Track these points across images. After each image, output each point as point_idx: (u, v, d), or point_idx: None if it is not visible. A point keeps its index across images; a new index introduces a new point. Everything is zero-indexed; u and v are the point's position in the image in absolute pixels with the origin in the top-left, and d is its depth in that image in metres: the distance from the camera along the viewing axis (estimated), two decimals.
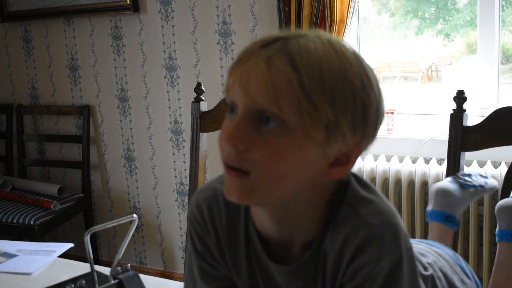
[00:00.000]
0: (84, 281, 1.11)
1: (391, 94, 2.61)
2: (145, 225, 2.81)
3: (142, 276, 1.16)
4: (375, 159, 2.17)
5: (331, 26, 2.03)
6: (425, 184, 2.07)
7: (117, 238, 2.92)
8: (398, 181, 2.11)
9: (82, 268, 1.34)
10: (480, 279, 2.02)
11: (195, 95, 1.72)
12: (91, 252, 1.04)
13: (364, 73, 0.69)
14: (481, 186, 1.33)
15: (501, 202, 1.16)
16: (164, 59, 2.55)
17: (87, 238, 1.02)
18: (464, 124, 1.43)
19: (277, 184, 0.69)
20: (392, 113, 2.22)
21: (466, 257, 2.04)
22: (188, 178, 1.83)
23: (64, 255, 1.44)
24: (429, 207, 1.33)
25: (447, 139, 1.45)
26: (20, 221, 2.43)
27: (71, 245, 1.53)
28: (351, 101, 0.67)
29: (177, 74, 2.54)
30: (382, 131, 2.23)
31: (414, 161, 2.14)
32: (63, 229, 3.03)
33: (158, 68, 2.57)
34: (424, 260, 1.08)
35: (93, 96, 2.78)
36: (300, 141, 0.67)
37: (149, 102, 2.64)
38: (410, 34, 2.61)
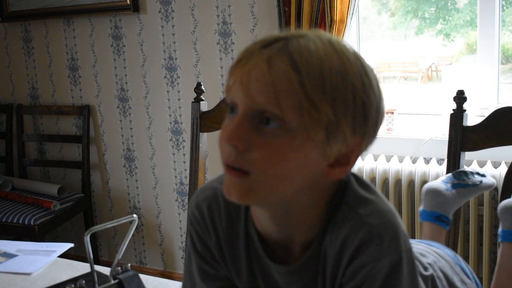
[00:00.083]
0: (84, 281, 1.11)
1: (391, 94, 2.61)
2: (145, 225, 2.81)
3: (142, 276, 1.16)
4: (375, 159, 2.17)
5: (331, 26, 2.03)
6: (425, 184, 2.07)
7: (117, 238, 2.92)
8: (398, 181, 2.11)
9: (82, 268, 1.34)
10: (480, 279, 2.02)
11: (195, 95, 1.72)
12: (91, 252, 1.04)
13: (365, 74, 0.69)
14: (475, 185, 1.33)
15: (504, 203, 1.16)
16: (164, 59, 2.55)
17: (87, 238, 1.02)
18: (464, 124, 1.43)
19: (277, 184, 0.69)
20: (392, 113, 2.22)
21: (466, 257, 2.04)
22: (188, 178, 1.83)
23: (64, 255, 1.44)
24: (421, 207, 1.34)
25: (447, 139, 1.45)
26: (20, 221, 2.43)
27: (71, 245, 1.53)
28: (351, 101, 0.67)
29: (177, 74, 2.54)
30: (382, 131, 2.23)
31: (414, 161, 2.14)
32: (63, 229, 3.03)
33: (158, 68, 2.57)
34: (424, 260, 1.09)
35: (93, 96, 2.78)
36: (300, 142, 0.67)
37: (149, 102, 2.64)
38: (410, 34, 2.61)
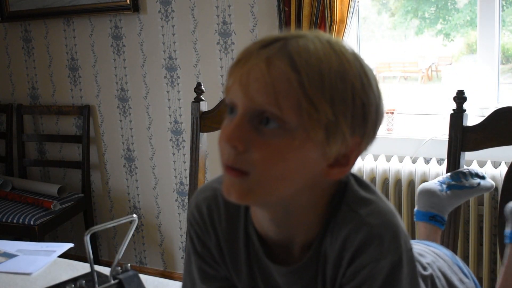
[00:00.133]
0: (84, 281, 1.11)
1: (391, 94, 2.61)
2: (145, 225, 2.81)
3: (142, 276, 1.16)
4: (375, 159, 2.17)
5: (331, 26, 2.03)
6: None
7: (117, 238, 2.92)
8: (398, 181, 2.11)
9: (82, 268, 1.34)
10: (480, 279, 2.02)
11: (195, 95, 1.72)
12: (91, 252, 1.04)
13: (364, 74, 0.69)
14: (472, 187, 1.33)
15: None
16: (164, 59, 2.55)
17: (87, 238, 1.02)
18: (464, 124, 1.43)
19: (277, 185, 0.69)
20: (392, 113, 2.22)
21: (466, 257, 2.04)
22: (188, 178, 1.83)
23: (64, 255, 1.44)
24: (415, 208, 1.34)
25: (447, 139, 1.45)
26: (20, 221, 2.43)
27: (71, 245, 1.53)
28: (350, 101, 0.67)
29: (177, 74, 2.54)
30: (382, 131, 2.23)
31: (414, 161, 2.14)
32: (63, 229, 3.03)
33: (158, 68, 2.58)
34: (423, 260, 1.09)
35: (93, 96, 2.78)
36: (299, 142, 0.67)
37: (149, 102, 2.64)
38: (410, 34, 2.61)
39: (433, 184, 1.34)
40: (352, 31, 2.14)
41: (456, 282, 1.10)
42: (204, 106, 1.72)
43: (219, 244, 0.83)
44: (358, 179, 0.79)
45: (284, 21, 2.11)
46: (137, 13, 2.53)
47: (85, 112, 2.73)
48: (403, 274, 0.73)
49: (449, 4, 2.46)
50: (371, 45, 2.54)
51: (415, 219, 1.35)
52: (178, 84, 2.55)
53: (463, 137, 1.42)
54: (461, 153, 1.43)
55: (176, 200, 2.70)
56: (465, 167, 1.43)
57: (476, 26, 2.10)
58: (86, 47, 2.73)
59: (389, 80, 3.21)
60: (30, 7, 2.74)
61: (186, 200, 2.60)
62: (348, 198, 0.76)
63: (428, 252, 1.14)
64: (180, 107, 2.57)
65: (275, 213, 0.76)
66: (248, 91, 0.67)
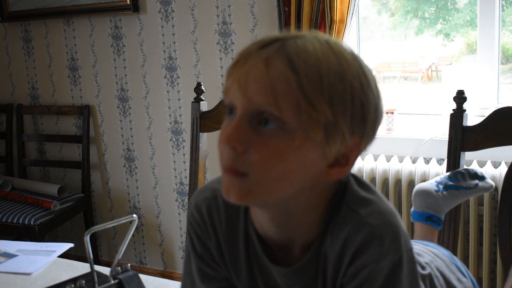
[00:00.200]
0: (84, 281, 1.11)
1: (391, 94, 2.61)
2: (145, 225, 2.81)
3: (142, 276, 1.16)
4: (375, 159, 2.17)
5: (331, 26, 2.03)
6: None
7: (117, 238, 2.92)
8: (398, 181, 2.11)
9: (82, 268, 1.34)
10: (480, 279, 2.02)
11: (195, 95, 1.72)
12: (91, 252, 1.04)
13: (363, 74, 0.69)
14: (470, 188, 1.33)
15: None
16: (164, 59, 2.55)
17: (87, 238, 1.02)
18: (464, 124, 1.43)
19: (276, 185, 0.69)
20: (392, 113, 2.22)
21: (466, 257, 2.04)
22: (188, 178, 1.83)
23: (64, 255, 1.44)
24: (412, 208, 1.34)
25: (447, 139, 1.45)
26: (20, 221, 2.43)
27: (71, 245, 1.53)
28: (349, 101, 0.67)
29: (177, 74, 2.54)
30: (382, 131, 2.23)
31: (414, 161, 2.14)
32: (63, 229, 3.03)
33: (158, 68, 2.58)
34: (421, 259, 1.09)
35: (93, 96, 2.78)
36: (299, 142, 0.67)
37: (149, 102, 2.64)
38: (410, 34, 2.61)
39: (429, 184, 1.34)
40: (352, 31, 2.14)
41: (454, 281, 1.10)
42: (204, 106, 1.72)
43: (219, 245, 0.83)
44: (358, 179, 0.79)
45: (284, 21, 2.11)
46: (137, 13, 2.53)
47: (85, 112, 2.73)
48: (404, 274, 0.73)
49: (449, 4, 2.46)
50: (371, 45, 2.54)
51: (411, 219, 1.35)
52: (178, 84, 2.55)
53: (463, 137, 1.42)
54: (461, 153, 1.43)
55: (176, 200, 2.70)
56: (465, 167, 1.43)
57: (476, 26, 2.10)
58: (86, 47, 2.73)
59: (389, 80, 3.21)
60: (30, 7, 2.74)
61: (186, 200, 2.60)
62: (348, 198, 0.76)
63: (426, 252, 1.14)
64: (180, 107, 2.57)
65: (275, 213, 0.75)
66: (247, 92, 0.67)
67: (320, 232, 0.76)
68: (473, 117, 2.02)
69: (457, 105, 1.44)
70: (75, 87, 2.82)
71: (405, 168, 2.08)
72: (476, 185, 1.33)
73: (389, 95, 2.53)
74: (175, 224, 2.73)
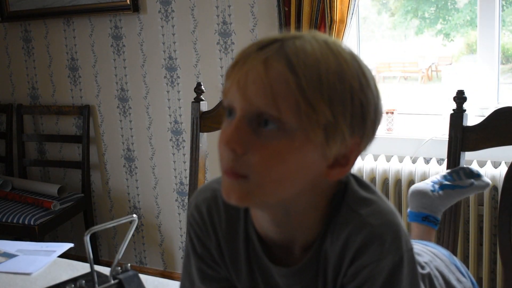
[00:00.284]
0: (84, 281, 1.11)
1: (391, 94, 2.61)
2: (145, 225, 2.81)
3: (142, 276, 1.16)
4: (375, 159, 2.17)
5: (331, 26, 2.03)
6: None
7: (117, 238, 2.92)
8: (398, 181, 2.11)
9: (82, 268, 1.34)
10: (480, 279, 2.02)
11: (195, 95, 1.72)
12: (91, 252, 1.04)
13: (362, 73, 0.69)
14: (465, 186, 1.33)
15: None
16: (164, 59, 2.55)
17: (87, 238, 1.02)
18: (464, 124, 1.43)
19: (276, 187, 0.69)
20: (392, 113, 2.22)
21: (466, 257, 2.04)
22: (188, 178, 1.83)
23: (64, 255, 1.44)
24: (408, 209, 1.34)
25: (447, 139, 1.45)
26: (20, 221, 2.43)
27: (71, 245, 1.53)
28: (349, 101, 0.67)
29: (177, 74, 2.54)
30: (382, 131, 2.23)
31: (414, 161, 2.14)
32: (63, 229, 3.03)
33: (158, 68, 2.58)
34: (420, 259, 1.09)
35: (93, 96, 2.78)
36: (299, 143, 0.67)
37: (149, 102, 2.64)
38: (410, 34, 2.61)
39: (424, 184, 1.34)
40: (352, 31, 2.14)
41: (453, 281, 1.10)
42: (204, 106, 1.72)
43: (219, 245, 0.83)
44: (358, 179, 0.79)
45: (284, 21, 2.11)
46: (137, 13, 2.53)
47: (85, 112, 2.73)
48: (404, 274, 0.73)
49: (449, 4, 2.46)
50: (371, 45, 2.54)
51: (408, 220, 1.35)
52: (178, 84, 2.55)
53: (463, 137, 1.42)
54: (461, 153, 1.43)
55: (176, 200, 2.70)
56: (461, 165, 1.42)
57: (476, 26, 2.10)
58: (86, 47, 2.73)
59: (389, 80, 3.22)
60: (30, 7, 2.74)
61: (186, 200, 2.60)
62: (348, 198, 0.76)
63: (425, 252, 1.14)
64: (180, 107, 2.57)
65: (275, 214, 0.75)
66: (246, 94, 0.67)
67: (320, 232, 0.76)
68: (473, 117, 2.02)
69: (457, 105, 1.44)
70: (75, 87, 2.82)
71: (405, 168, 2.08)
72: (472, 183, 1.33)
73: (389, 95, 2.53)
74: (175, 224, 2.73)
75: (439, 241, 1.42)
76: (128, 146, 2.75)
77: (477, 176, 1.35)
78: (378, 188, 1.91)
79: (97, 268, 1.18)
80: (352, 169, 0.74)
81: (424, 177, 2.04)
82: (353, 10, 2.02)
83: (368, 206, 0.75)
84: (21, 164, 2.89)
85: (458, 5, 2.41)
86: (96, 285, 1.08)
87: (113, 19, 2.62)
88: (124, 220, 1.05)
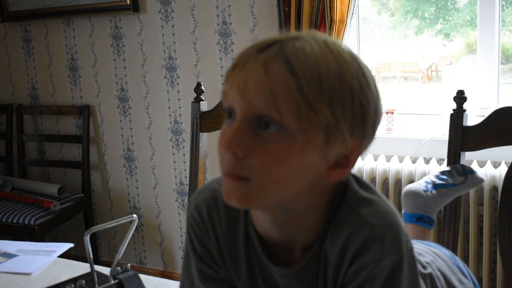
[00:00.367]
0: (84, 281, 1.11)
1: (391, 94, 2.61)
2: (145, 225, 2.81)
3: (142, 276, 1.16)
4: (375, 159, 2.17)
5: (331, 26, 2.03)
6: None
7: (117, 238, 2.92)
8: (398, 181, 2.11)
9: (82, 268, 1.34)
10: (480, 279, 2.02)
11: (195, 95, 1.72)
12: (91, 252, 1.04)
13: (362, 74, 0.69)
14: (458, 184, 1.33)
15: None
16: (164, 59, 2.55)
17: (87, 238, 1.02)
18: (464, 124, 1.43)
19: (277, 189, 0.69)
20: (392, 113, 2.22)
21: (466, 257, 2.04)
22: (188, 178, 1.82)
23: (64, 255, 1.44)
24: (402, 210, 1.35)
25: (447, 139, 1.45)
26: (20, 221, 2.43)
27: (71, 245, 1.53)
28: (349, 102, 0.67)
29: (177, 74, 2.54)
30: (382, 131, 2.23)
31: (414, 161, 2.14)
32: (63, 229, 3.03)
33: (158, 68, 2.58)
34: (422, 259, 1.09)
35: (93, 96, 2.78)
36: (299, 145, 0.67)
37: (149, 102, 2.64)
38: (410, 34, 2.61)
39: (417, 185, 1.35)
40: (352, 31, 2.14)
41: (455, 282, 1.09)
42: (204, 106, 1.72)
43: (219, 245, 0.83)
44: (358, 179, 0.79)
45: (284, 21, 2.11)
46: (137, 13, 2.53)
47: (85, 112, 2.73)
48: (404, 274, 0.73)
49: (449, 4, 2.46)
50: (371, 45, 2.54)
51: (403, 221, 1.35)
52: (178, 84, 2.55)
53: (463, 137, 1.42)
54: (461, 153, 1.43)
55: (176, 200, 2.70)
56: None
57: (476, 26, 2.10)
58: (86, 47, 2.73)
59: (389, 80, 3.21)
60: (30, 7, 2.74)
61: (186, 200, 2.60)
62: (348, 198, 0.76)
63: (427, 252, 1.14)
64: (180, 107, 2.57)
65: (275, 215, 0.75)
66: (246, 96, 0.67)
67: (320, 233, 0.76)
68: (473, 117, 2.02)
69: (457, 105, 1.44)
70: (75, 87, 2.82)
71: (405, 168, 2.08)
72: (465, 180, 1.33)
73: (389, 95, 2.53)
74: (175, 224, 2.73)
75: (439, 241, 1.42)
76: (128, 146, 2.75)
77: (470, 172, 1.35)
78: (378, 188, 1.91)
79: (97, 268, 1.18)
80: (352, 170, 0.74)
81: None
82: (353, 10, 2.02)
83: (368, 206, 0.75)
84: (21, 164, 2.89)
85: (458, 5, 2.41)
86: (96, 285, 1.08)
87: (113, 19, 2.62)
88: (124, 220, 1.05)
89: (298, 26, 2.07)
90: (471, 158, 2.01)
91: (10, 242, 1.56)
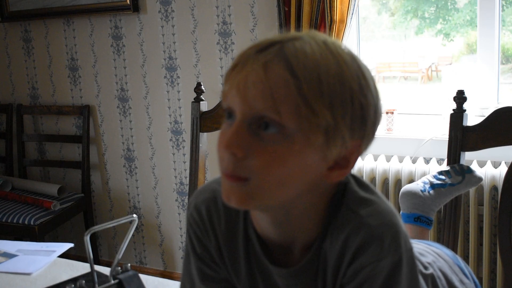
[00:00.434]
0: (84, 281, 1.11)
1: (391, 94, 2.61)
2: (145, 225, 2.81)
3: (142, 276, 1.17)
4: (375, 159, 2.17)
5: (331, 26, 2.03)
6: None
7: (117, 238, 2.92)
8: (398, 181, 2.11)
9: (82, 268, 1.34)
10: (480, 279, 2.02)
11: (195, 95, 1.72)
12: (91, 252, 1.04)
13: (361, 75, 0.69)
14: (455, 184, 1.33)
15: None
16: (164, 59, 2.55)
17: (87, 238, 1.02)
18: (464, 124, 1.43)
19: (277, 190, 0.69)
20: (392, 113, 2.22)
21: (466, 257, 2.04)
22: (188, 178, 1.83)
23: (64, 255, 1.44)
24: (400, 211, 1.35)
25: (447, 139, 1.45)
26: (20, 221, 2.43)
27: (71, 245, 1.53)
28: (349, 103, 0.67)
29: (177, 74, 2.54)
30: (382, 131, 2.23)
31: (414, 161, 2.14)
32: (63, 229, 3.03)
33: (158, 68, 2.58)
34: (423, 259, 1.09)
35: (93, 96, 2.78)
36: (299, 146, 0.66)
37: (149, 102, 2.64)
38: (410, 34, 2.61)
39: (415, 185, 1.35)
40: (352, 31, 2.14)
41: (456, 282, 1.09)
42: (204, 106, 1.72)
43: (219, 245, 0.83)
44: (357, 179, 0.79)
45: (284, 21, 2.11)
46: (137, 13, 2.53)
47: (85, 112, 2.73)
48: (403, 274, 0.73)
49: (449, 4, 2.46)
50: (371, 45, 2.54)
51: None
52: (178, 84, 2.55)
53: (463, 137, 1.42)
54: (461, 153, 1.43)
55: (176, 200, 2.70)
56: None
57: (476, 26, 2.10)
58: (86, 47, 2.73)
59: (389, 80, 3.21)
60: (30, 7, 2.74)
61: (186, 200, 2.60)
62: (348, 198, 0.76)
63: (429, 252, 1.14)
64: (180, 107, 2.57)
65: (275, 215, 0.75)
66: (246, 97, 0.66)
67: (320, 233, 0.76)
68: (473, 117, 2.02)
69: (457, 105, 1.44)
70: (75, 87, 2.82)
71: (405, 168, 2.08)
72: (462, 180, 1.33)
73: (389, 95, 2.53)
74: (175, 224, 2.73)
75: (439, 241, 1.42)
76: (128, 146, 2.75)
77: (468, 172, 1.35)
78: (378, 188, 1.91)
79: (97, 268, 1.18)
80: (352, 170, 0.74)
81: None
82: (353, 10, 2.03)
83: (367, 206, 0.75)
84: (21, 164, 2.89)
85: (458, 5, 2.41)
86: (96, 285, 1.08)
87: (113, 19, 2.62)
88: (124, 220, 1.05)
89: (298, 26, 2.07)
90: (471, 158, 2.01)
91: (10, 242, 1.56)
